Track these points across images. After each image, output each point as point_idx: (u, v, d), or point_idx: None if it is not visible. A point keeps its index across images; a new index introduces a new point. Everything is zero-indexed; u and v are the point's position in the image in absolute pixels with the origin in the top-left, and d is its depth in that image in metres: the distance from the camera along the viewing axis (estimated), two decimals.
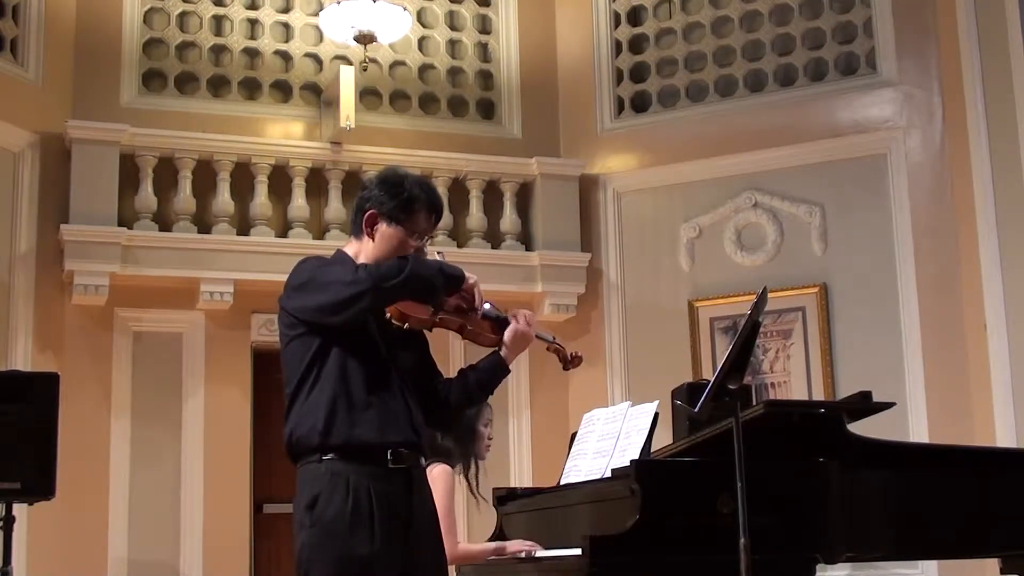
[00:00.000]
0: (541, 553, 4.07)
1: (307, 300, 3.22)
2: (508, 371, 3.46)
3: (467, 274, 3.35)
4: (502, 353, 3.44)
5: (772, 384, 7.57)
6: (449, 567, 4.28)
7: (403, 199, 3.32)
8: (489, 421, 4.63)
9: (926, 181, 7.46)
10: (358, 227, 3.37)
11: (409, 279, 3.16)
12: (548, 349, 3.62)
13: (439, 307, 3.36)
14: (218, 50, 7.97)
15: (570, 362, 3.62)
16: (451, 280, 3.30)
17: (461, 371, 3.46)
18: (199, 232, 7.39)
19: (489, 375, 3.43)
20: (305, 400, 3.20)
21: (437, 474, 4.40)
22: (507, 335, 3.44)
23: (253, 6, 8.06)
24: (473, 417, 4.56)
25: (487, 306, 3.48)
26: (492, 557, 4.32)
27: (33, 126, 7.22)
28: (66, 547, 6.90)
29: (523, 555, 4.15)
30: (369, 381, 3.21)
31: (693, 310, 7.85)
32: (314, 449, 3.17)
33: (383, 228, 3.32)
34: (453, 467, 4.50)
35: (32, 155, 7.20)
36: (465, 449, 4.55)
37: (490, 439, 4.64)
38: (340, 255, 3.37)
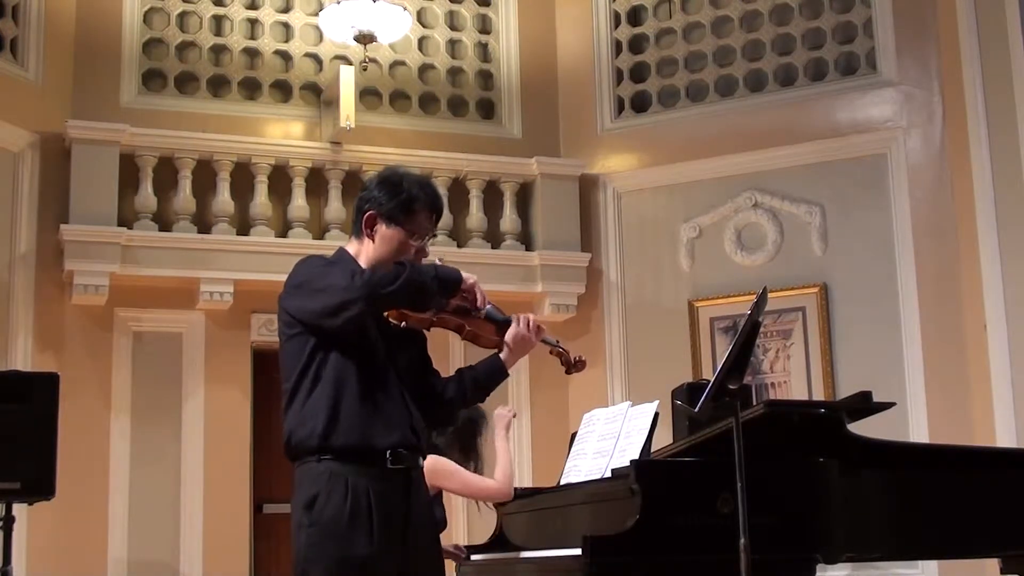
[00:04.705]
0: (541, 553, 4.07)
1: (304, 302, 3.20)
2: (507, 374, 3.46)
3: (466, 275, 3.32)
4: (502, 356, 3.43)
5: (772, 384, 7.57)
6: (508, 496, 4.35)
7: (402, 199, 3.29)
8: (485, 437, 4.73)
9: (926, 181, 7.46)
10: (358, 228, 3.34)
11: (404, 287, 3.13)
12: (551, 353, 3.60)
13: (438, 307, 3.35)
14: (218, 50, 7.97)
15: (573, 366, 3.59)
16: (447, 284, 3.27)
17: (459, 371, 3.45)
18: (199, 232, 7.39)
19: (487, 377, 3.43)
20: (304, 400, 3.18)
21: (433, 460, 4.42)
22: (508, 337, 3.43)
23: (253, 6, 8.06)
24: (476, 431, 4.63)
25: (489, 307, 3.47)
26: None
27: (33, 126, 7.22)
28: (66, 547, 6.90)
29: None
30: (368, 382, 3.19)
31: (693, 310, 7.85)
32: (313, 450, 3.15)
33: (382, 229, 3.29)
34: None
35: (32, 155, 7.20)
36: (467, 459, 4.60)
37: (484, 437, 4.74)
38: (341, 253, 3.36)
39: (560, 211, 8.10)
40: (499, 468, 4.50)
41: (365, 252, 3.32)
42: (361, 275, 3.13)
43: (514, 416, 4.56)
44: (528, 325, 3.44)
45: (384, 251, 3.29)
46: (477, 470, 4.63)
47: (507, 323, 3.47)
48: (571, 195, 8.13)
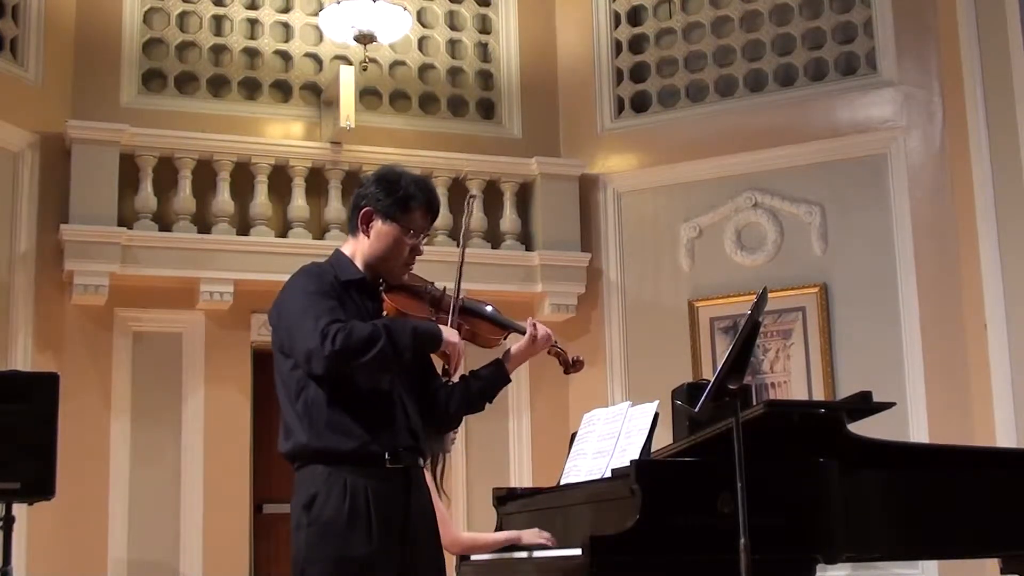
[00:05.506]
0: (541, 553, 4.06)
1: (280, 333, 3.22)
2: (509, 380, 3.49)
3: (447, 334, 3.26)
4: (507, 364, 3.47)
5: (772, 384, 7.57)
6: (459, 554, 4.29)
7: (399, 196, 3.30)
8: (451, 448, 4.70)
9: (926, 181, 7.46)
10: (354, 225, 3.35)
11: (376, 359, 3.08)
12: (549, 352, 3.61)
13: (437, 309, 3.36)
14: (218, 50, 7.97)
15: (572, 366, 3.61)
16: (426, 346, 3.24)
17: (463, 379, 3.46)
18: (199, 232, 7.38)
19: (490, 384, 3.46)
20: (298, 404, 3.18)
21: None
22: (516, 348, 3.49)
23: (253, 6, 8.06)
24: (445, 443, 4.62)
25: (489, 308, 3.50)
26: (498, 554, 4.30)
27: (33, 126, 7.22)
28: (66, 547, 6.89)
29: (538, 546, 4.05)
30: (362, 384, 3.19)
31: (693, 310, 7.85)
32: (311, 453, 3.16)
33: (378, 225, 3.30)
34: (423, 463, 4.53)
35: (32, 155, 7.20)
36: (432, 446, 4.59)
37: (455, 435, 4.69)
38: (337, 256, 3.36)
39: (560, 211, 8.10)
40: (479, 535, 4.37)
41: (360, 249, 3.33)
42: (333, 340, 3.05)
43: (546, 545, 4.31)
44: (539, 340, 3.47)
45: (379, 247, 3.31)
46: (436, 477, 4.61)
47: (503, 323, 3.49)
48: (571, 195, 8.13)
